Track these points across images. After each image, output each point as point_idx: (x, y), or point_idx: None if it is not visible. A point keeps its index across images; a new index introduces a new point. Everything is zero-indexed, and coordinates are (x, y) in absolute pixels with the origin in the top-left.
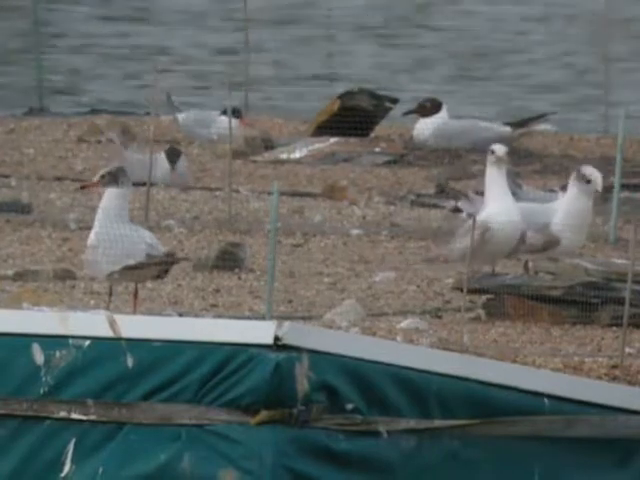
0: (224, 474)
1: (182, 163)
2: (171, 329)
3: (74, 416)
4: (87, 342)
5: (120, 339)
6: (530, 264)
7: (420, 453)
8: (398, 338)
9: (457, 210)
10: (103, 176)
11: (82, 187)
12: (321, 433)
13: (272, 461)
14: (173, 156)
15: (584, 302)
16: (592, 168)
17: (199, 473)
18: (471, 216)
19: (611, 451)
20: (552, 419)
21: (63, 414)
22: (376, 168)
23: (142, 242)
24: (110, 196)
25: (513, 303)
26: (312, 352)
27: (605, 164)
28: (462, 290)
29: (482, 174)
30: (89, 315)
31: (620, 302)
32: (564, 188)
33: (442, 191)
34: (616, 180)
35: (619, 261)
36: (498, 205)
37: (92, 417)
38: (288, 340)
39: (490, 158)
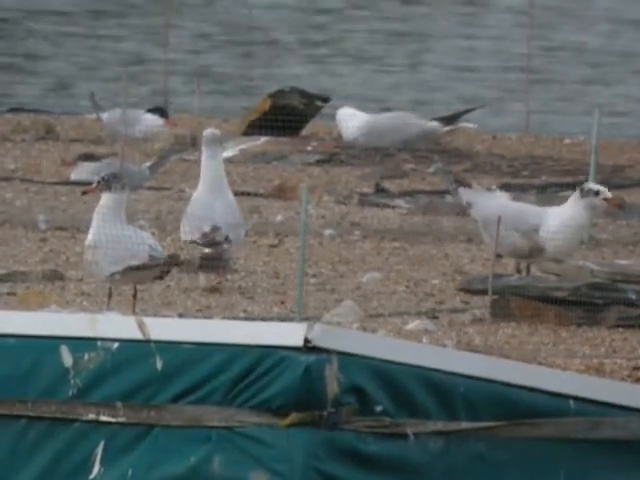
0: (254, 476)
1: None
2: (200, 331)
3: (103, 418)
4: (116, 344)
5: (149, 341)
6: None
7: (447, 455)
8: (424, 340)
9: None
10: (100, 181)
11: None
12: (350, 435)
13: (302, 463)
14: None
15: (589, 303)
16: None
17: (229, 475)
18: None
19: (637, 453)
20: (578, 421)
21: (92, 416)
22: (308, 167)
23: (144, 243)
24: (107, 200)
25: (518, 304)
26: (342, 354)
27: (532, 162)
28: (467, 291)
29: (415, 173)
30: (118, 317)
31: (625, 303)
32: (503, 188)
33: (382, 190)
34: (590, 179)
35: (623, 262)
36: None
37: (121, 419)
38: (318, 342)
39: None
